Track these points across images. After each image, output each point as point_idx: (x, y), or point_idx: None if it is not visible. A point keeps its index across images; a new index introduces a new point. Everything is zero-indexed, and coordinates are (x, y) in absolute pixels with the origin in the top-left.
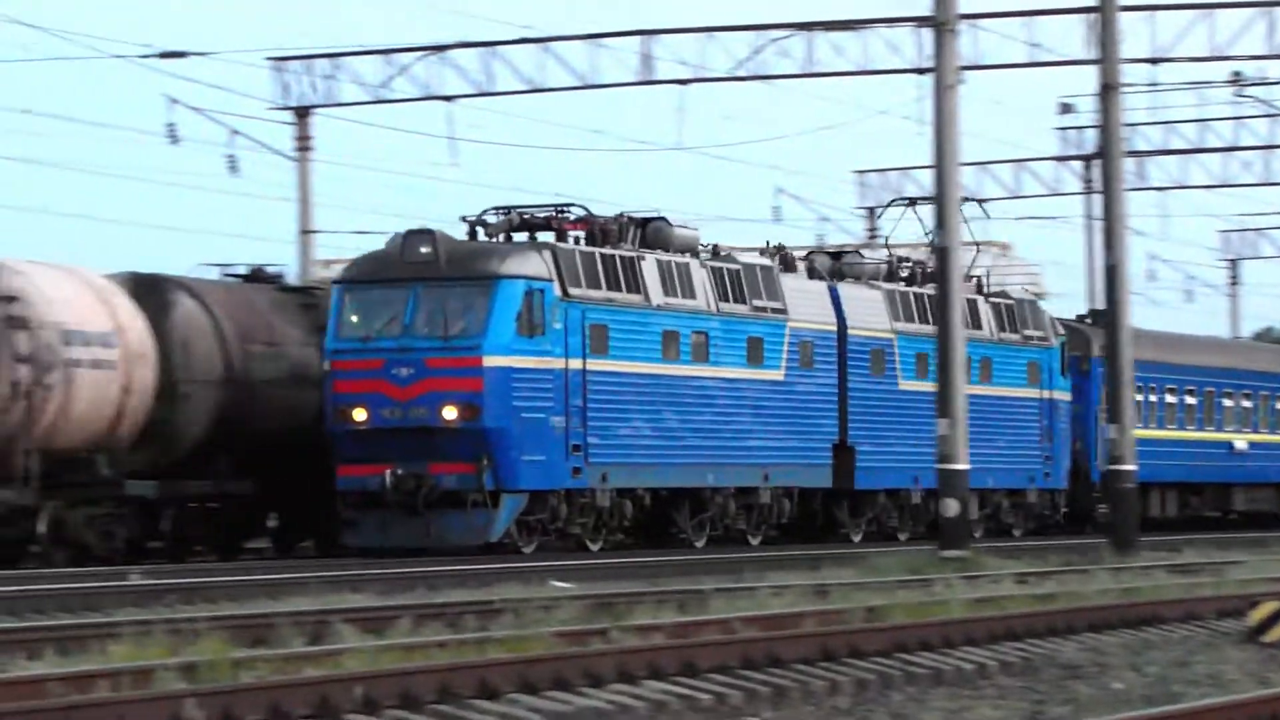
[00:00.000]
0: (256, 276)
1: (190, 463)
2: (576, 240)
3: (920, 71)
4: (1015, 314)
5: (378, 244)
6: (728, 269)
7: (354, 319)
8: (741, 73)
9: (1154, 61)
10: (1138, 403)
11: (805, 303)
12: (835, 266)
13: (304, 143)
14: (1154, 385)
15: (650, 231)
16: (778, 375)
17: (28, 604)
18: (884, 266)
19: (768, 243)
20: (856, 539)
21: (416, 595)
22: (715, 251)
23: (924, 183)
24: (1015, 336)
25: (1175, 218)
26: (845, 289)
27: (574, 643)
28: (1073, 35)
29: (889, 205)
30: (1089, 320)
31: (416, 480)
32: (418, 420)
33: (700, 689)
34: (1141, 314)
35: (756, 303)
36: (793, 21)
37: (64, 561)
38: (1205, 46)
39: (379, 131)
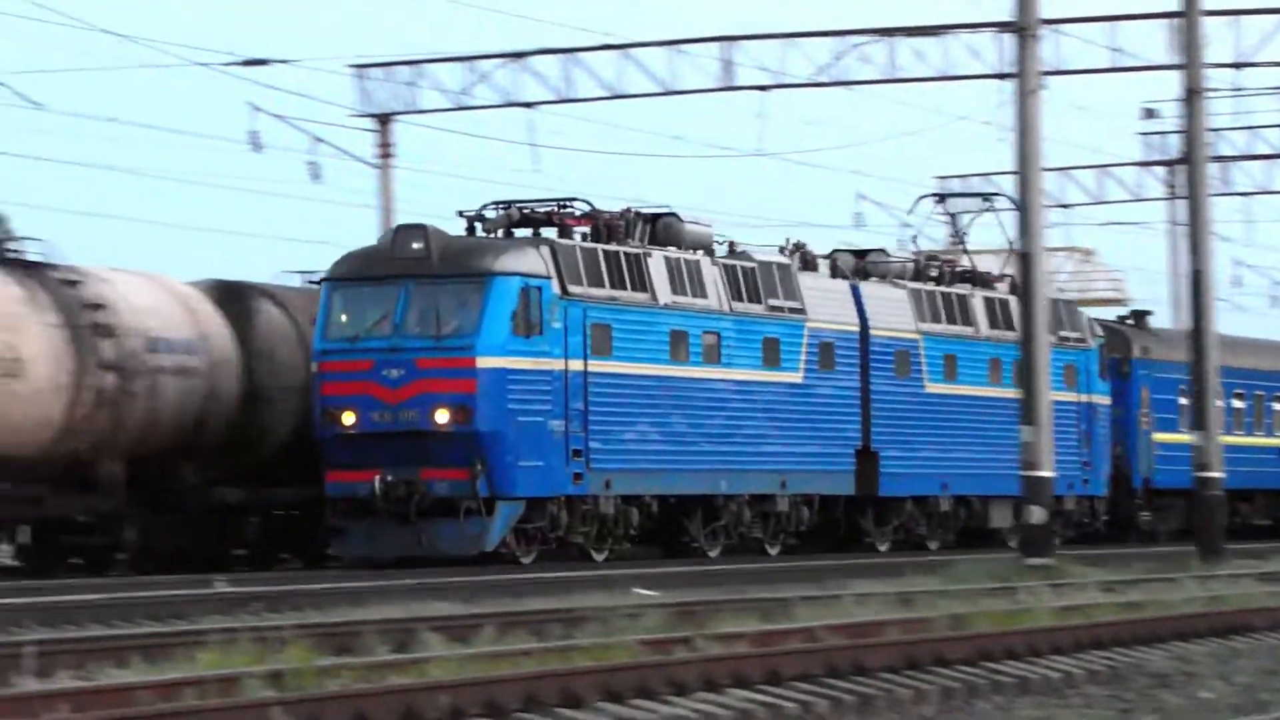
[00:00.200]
0: None
1: (273, 469)
2: (583, 236)
3: (1002, 77)
4: (1051, 315)
5: None
6: (742, 267)
7: (343, 318)
8: (822, 79)
9: (1238, 66)
10: (1181, 407)
11: (825, 302)
12: (859, 265)
13: (385, 150)
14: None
15: (660, 227)
16: (796, 377)
17: (115, 612)
18: (910, 265)
19: (787, 240)
20: (883, 548)
21: (501, 603)
22: (732, 249)
23: (1005, 188)
24: (1051, 338)
25: (1260, 223)
26: (868, 288)
27: (658, 651)
28: (1156, 40)
29: (918, 201)
30: (1129, 322)
31: (407, 487)
32: (408, 424)
33: (785, 697)
34: (1226, 320)
35: (773, 302)
36: (874, 27)
37: (151, 569)
38: None
39: (460, 138)
